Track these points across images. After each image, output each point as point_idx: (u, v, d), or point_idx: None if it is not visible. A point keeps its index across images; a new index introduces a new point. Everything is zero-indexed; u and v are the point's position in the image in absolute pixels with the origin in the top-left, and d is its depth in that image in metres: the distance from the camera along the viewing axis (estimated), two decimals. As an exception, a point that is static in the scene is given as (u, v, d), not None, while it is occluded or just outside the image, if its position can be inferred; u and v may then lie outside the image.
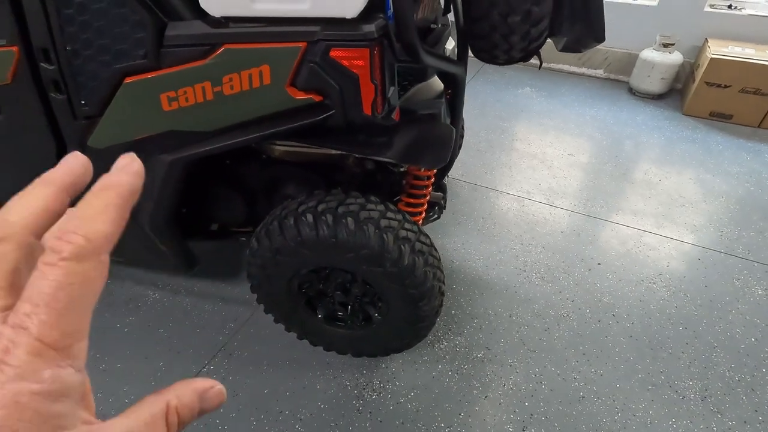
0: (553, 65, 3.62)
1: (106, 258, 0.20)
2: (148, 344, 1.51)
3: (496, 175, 2.38)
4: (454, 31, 1.44)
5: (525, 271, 1.80)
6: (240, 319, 1.60)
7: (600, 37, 1.08)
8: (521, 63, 1.18)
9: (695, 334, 1.56)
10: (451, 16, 1.42)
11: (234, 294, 1.70)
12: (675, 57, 3.02)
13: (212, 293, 1.70)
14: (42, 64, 0.94)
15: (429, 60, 0.94)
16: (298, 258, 1.17)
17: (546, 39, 1.09)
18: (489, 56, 1.11)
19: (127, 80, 0.93)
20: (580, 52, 1.18)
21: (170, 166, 1.06)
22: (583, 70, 3.57)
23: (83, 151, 1.09)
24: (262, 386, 1.38)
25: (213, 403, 0.23)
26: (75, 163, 0.22)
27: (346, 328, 1.36)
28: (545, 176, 2.38)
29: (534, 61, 1.15)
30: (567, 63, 3.61)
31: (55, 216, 0.21)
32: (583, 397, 1.37)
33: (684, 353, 1.49)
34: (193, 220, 1.49)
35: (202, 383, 0.23)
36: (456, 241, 1.94)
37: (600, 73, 3.52)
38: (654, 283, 1.75)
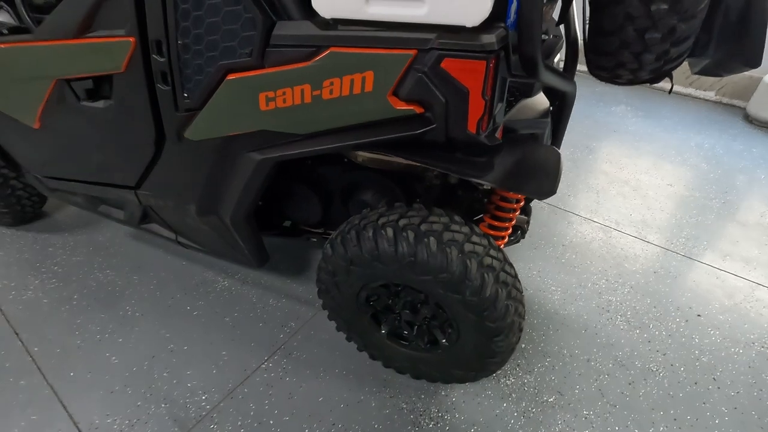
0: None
1: None
2: (214, 330, 1.54)
3: (581, 199, 2.19)
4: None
5: (608, 311, 1.62)
6: (302, 319, 1.59)
7: (754, 62, 0.91)
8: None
9: (820, 419, 1.30)
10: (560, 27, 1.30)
11: (298, 292, 1.69)
12: (811, 84, 2.61)
13: (278, 288, 1.71)
14: (154, 55, 0.96)
15: (547, 77, 0.84)
16: (371, 271, 1.12)
17: (684, 59, 0.94)
18: (610, 75, 0.98)
19: (230, 77, 0.92)
20: (720, 76, 1.02)
21: (259, 165, 1.05)
22: (690, 90, 3.21)
23: (179, 142, 1.13)
24: (317, 393, 1.36)
25: None
26: None
27: (409, 348, 1.30)
28: (638, 206, 2.15)
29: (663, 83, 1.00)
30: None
31: None
32: (671, 470, 1.19)
33: (804, 441, 1.25)
34: (268, 214, 1.50)
35: None
36: (531, 267, 1.80)
37: (711, 95, 3.14)
38: (768, 348, 1.50)
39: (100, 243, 1.92)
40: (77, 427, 1.27)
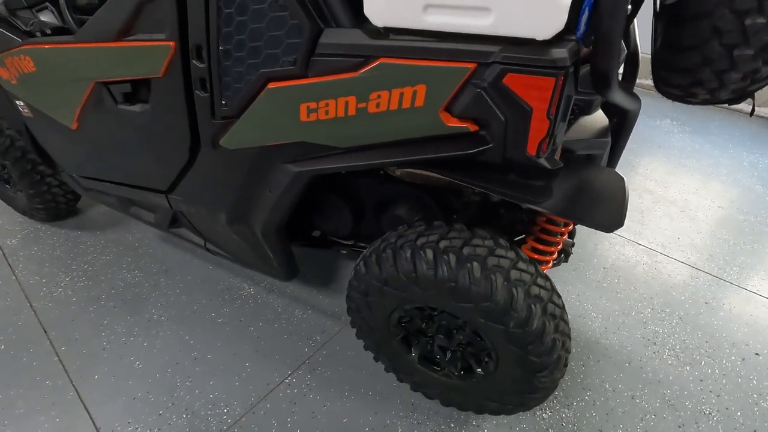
0: (702, 96, 3.11)
1: None
2: (238, 341, 1.51)
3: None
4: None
5: (655, 344, 1.50)
6: (327, 333, 1.54)
7: None
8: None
9: None
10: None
11: (324, 304, 1.64)
12: None
13: (304, 299, 1.67)
14: (194, 61, 0.93)
15: (618, 96, 0.76)
16: (406, 294, 1.05)
17: (772, 79, 0.84)
18: (683, 94, 0.89)
19: (270, 86, 0.88)
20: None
21: (295, 177, 1.00)
22: (741, 105, 3.02)
23: (214, 149, 1.09)
24: (341, 414, 1.30)
25: None
26: None
27: (441, 374, 1.22)
28: (686, 229, 2.01)
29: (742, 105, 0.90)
30: (721, 95, 3.08)
31: None
32: None
33: None
34: (297, 223, 1.46)
35: None
36: (570, 290, 1.70)
37: (765, 111, 2.95)
38: (837, 396, 1.35)
39: (129, 243, 1.92)
40: (99, 433, 1.25)
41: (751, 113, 0.98)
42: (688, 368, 1.43)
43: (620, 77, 1.19)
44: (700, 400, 1.34)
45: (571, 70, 0.70)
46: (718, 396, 1.35)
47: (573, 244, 1.37)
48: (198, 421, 1.27)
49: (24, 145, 1.69)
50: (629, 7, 0.93)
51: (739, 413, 1.31)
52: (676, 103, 3.26)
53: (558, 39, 0.67)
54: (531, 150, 0.75)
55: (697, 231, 2.00)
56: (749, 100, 0.91)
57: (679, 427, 1.27)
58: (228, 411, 1.30)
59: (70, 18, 1.19)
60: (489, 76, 0.70)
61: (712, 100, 0.88)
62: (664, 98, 0.95)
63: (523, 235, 1.28)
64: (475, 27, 0.67)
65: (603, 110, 1.09)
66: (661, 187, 2.29)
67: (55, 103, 1.30)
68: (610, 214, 0.82)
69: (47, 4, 1.24)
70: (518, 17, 0.64)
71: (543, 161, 0.76)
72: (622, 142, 1.07)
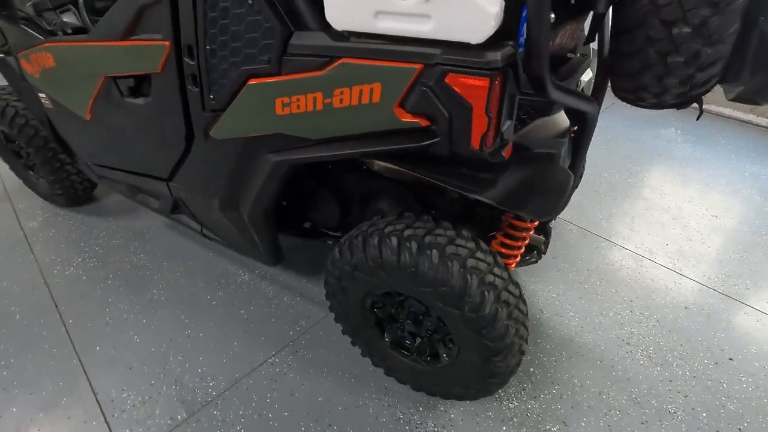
0: (712, 107, 3.09)
1: None
2: (229, 322, 1.61)
3: (614, 224, 2.09)
4: (593, 62, 1.28)
5: (629, 344, 1.53)
6: (312, 318, 1.63)
7: (794, 92, 0.85)
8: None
9: None
10: (590, 45, 1.26)
11: (313, 292, 1.73)
12: None
13: (294, 287, 1.76)
14: (185, 58, 1.04)
15: (557, 95, 0.83)
16: (374, 278, 1.13)
17: (714, 85, 0.89)
18: (633, 98, 0.95)
19: (250, 82, 0.98)
20: (759, 105, 0.95)
21: (275, 166, 1.10)
22: (750, 117, 2.99)
23: (205, 139, 1.20)
24: (317, 393, 1.38)
25: None
26: None
27: (410, 359, 1.29)
28: (676, 236, 2.02)
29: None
30: (729, 106, 3.05)
31: None
32: None
33: None
34: (290, 214, 1.55)
35: None
36: (551, 289, 1.74)
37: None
38: (808, 403, 1.36)
39: (138, 229, 2.06)
40: (96, 397, 1.37)
41: (698, 117, 1.02)
42: (658, 369, 1.45)
43: (592, 82, 1.25)
44: (666, 399, 1.37)
45: (510, 71, 0.78)
46: (685, 396, 1.37)
47: (546, 242, 1.43)
48: (185, 393, 1.38)
49: (46, 135, 1.85)
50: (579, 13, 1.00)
51: (704, 414, 1.33)
52: (683, 112, 3.21)
53: (494, 43, 0.74)
54: (475, 144, 0.82)
55: (688, 238, 2.01)
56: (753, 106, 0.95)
57: (642, 423, 1.30)
58: (213, 384, 1.40)
59: (86, 19, 1.32)
60: (433, 76, 0.78)
61: (661, 104, 0.94)
62: (647, 109, 1.01)
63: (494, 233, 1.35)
64: (419, 32, 0.75)
65: (566, 113, 1.15)
66: (657, 195, 2.30)
67: (71, 95, 1.44)
68: (543, 205, 0.88)
69: (70, 6, 1.38)
70: (454, 24, 0.72)
71: (486, 155, 0.83)
72: (585, 143, 1.12)
